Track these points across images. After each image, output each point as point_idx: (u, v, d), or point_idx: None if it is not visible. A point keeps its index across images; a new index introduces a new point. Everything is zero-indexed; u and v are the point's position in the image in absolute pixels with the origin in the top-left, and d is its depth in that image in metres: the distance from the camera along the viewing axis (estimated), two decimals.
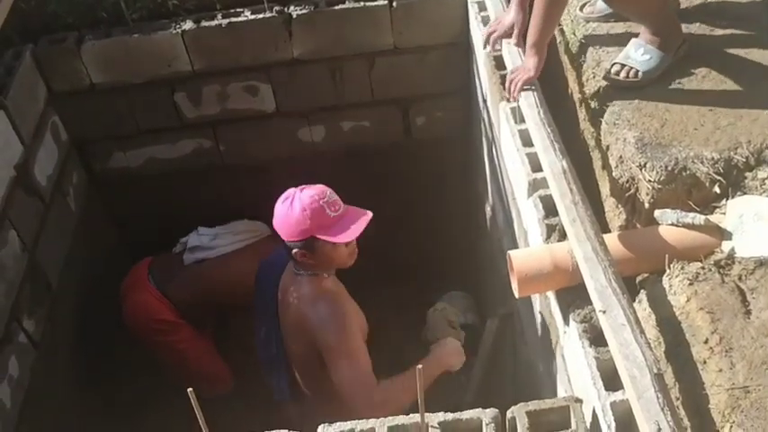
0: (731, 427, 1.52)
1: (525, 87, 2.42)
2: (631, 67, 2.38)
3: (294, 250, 2.46)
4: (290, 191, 2.48)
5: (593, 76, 2.53)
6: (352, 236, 2.43)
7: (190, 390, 1.61)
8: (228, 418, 2.45)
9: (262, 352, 2.82)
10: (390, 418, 1.80)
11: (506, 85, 2.52)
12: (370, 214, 2.49)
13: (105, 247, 3.98)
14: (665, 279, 1.92)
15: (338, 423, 1.80)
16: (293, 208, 2.41)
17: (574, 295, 1.98)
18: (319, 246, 2.44)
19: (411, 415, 1.79)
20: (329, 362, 2.43)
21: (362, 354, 2.47)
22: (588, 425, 1.74)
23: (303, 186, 2.48)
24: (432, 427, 1.76)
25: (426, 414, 1.76)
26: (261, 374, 2.95)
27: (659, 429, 1.43)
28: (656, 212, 2.06)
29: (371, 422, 1.79)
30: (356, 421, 1.80)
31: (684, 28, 2.47)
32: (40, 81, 3.54)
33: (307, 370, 2.65)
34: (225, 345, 3.91)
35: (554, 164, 2.10)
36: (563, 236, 2.08)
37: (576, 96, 2.68)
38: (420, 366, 1.69)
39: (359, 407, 2.32)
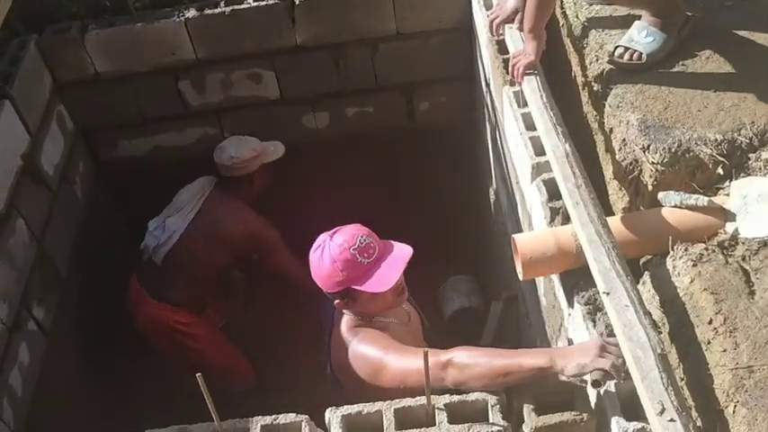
0: (735, 406, 1.53)
1: (527, 72, 2.42)
2: (635, 50, 2.38)
3: (336, 301, 2.27)
4: (321, 238, 2.25)
5: (597, 59, 2.53)
6: (390, 283, 2.20)
7: (198, 375, 1.64)
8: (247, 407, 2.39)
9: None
10: (397, 400, 1.82)
11: (509, 69, 2.53)
12: (409, 251, 2.26)
13: (112, 234, 4.00)
14: (668, 260, 1.93)
15: (346, 406, 1.83)
16: (323, 260, 2.21)
17: (578, 277, 1.99)
18: (358, 295, 2.22)
19: (417, 397, 1.81)
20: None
21: (404, 351, 2.11)
22: (592, 405, 1.76)
23: (336, 230, 2.25)
24: (438, 408, 1.78)
25: (432, 396, 1.78)
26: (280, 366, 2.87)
27: (663, 409, 1.44)
28: (660, 194, 2.07)
29: (378, 405, 1.81)
30: (363, 404, 1.83)
31: (688, 9, 2.47)
32: (45, 71, 3.55)
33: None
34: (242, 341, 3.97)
35: (557, 147, 2.11)
36: (567, 219, 2.09)
37: (579, 79, 2.67)
38: (426, 350, 1.70)
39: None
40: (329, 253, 2.20)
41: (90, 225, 3.74)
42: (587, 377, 1.66)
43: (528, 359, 1.77)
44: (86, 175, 3.84)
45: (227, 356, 3.81)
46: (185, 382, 3.49)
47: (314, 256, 2.26)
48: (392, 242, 2.31)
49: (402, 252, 2.26)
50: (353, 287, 2.20)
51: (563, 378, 1.72)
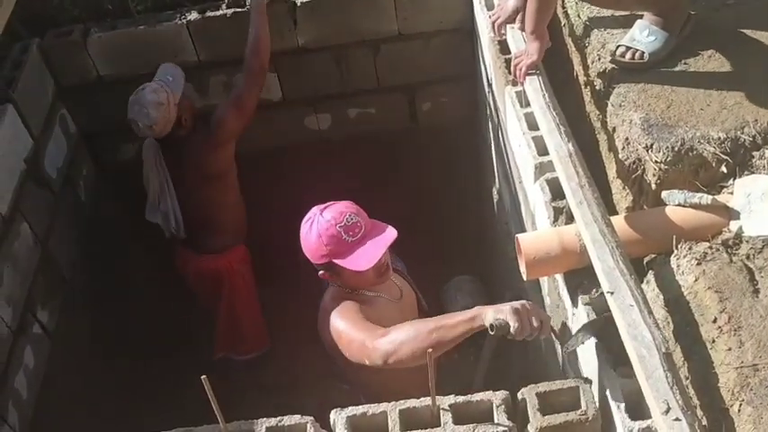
0: (740, 405, 1.53)
1: (530, 72, 2.42)
2: (637, 49, 2.38)
3: (320, 272, 2.40)
4: (313, 211, 2.37)
5: (599, 58, 2.53)
6: (371, 262, 2.29)
7: (203, 377, 1.64)
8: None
9: None
10: (402, 401, 1.82)
11: (512, 69, 2.53)
12: (393, 234, 2.33)
13: (118, 237, 4.01)
14: (672, 259, 1.92)
15: (351, 407, 1.83)
16: (311, 233, 2.33)
17: (582, 277, 1.99)
18: (341, 270, 2.33)
19: (422, 398, 1.81)
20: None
21: (357, 339, 2.21)
22: (598, 405, 1.75)
23: (327, 205, 2.36)
24: (443, 409, 1.78)
25: (437, 397, 1.78)
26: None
27: (668, 408, 1.44)
28: (663, 193, 2.06)
29: (383, 406, 1.81)
30: (368, 405, 1.83)
31: (690, 7, 2.46)
32: (48, 74, 3.56)
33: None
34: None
35: (560, 147, 2.11)
36: (570, 218, 2.09)
37: (582, 79, 2.67)
38: (430, 351, 1.71)
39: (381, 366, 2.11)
40: (317, 227, 2.31)
41: (94, 228, 3.74)
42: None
43: (458, 314, 1.99)
44: (89, 179, 3.84)
45: (256, 312, 4.01)
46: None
47: (304, 227, 2.37)
48: (381, 223, 2.39)
49: (387, 234, 2.34)
50: (336, 262, 2.31)
51: (487, 325, 1.91)
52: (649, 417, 1.57)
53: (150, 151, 3.51)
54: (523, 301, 1.95)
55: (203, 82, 3.72)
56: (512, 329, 1.88)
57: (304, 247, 2.38)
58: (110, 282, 3.75)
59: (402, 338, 2.03)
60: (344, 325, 2.27)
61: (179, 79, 3.38)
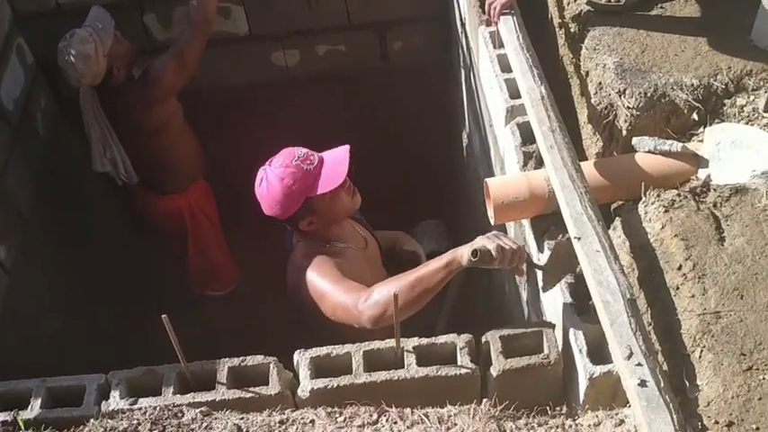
0: (702, 351, 1.55)
1: (504, 11, 2.36)
2: None
3: (300, 223, 2.29)
4: (260, 172, 2.29)
5: (575, 0, 2.48)
6: (340, 178, 2.26)
7: (164, 316, 1.62)
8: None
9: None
10: (366, 343, 1.81)
11: (486, 8, 2.47)
12: (347, 148, 2.31)
13: (77, 172, 3.90)
14: (640, 206, 1.92)
15: (315, 348, 1.82)
16: (271, 184, 2.23)
17: (549, 222, 1.98)
18: (317, 204, 2.26)
19: (386, 340, 1.81)
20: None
21: (340, 296, 2.16)
22: (560, 349, 1.77)
23: (269, 160, 2.29)
24: (407, 351, 1.78)
25: (401, 339, 1.77)
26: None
27: (631, 353, 1.45)
28: (634, 140, 2.05)
29: (347, 347, 1.81)
30: (332, 347, 1.82)
31: None
32: (4, 2, 3.41)
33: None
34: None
35: (532, 90, 2.07)
36: (540, 163, 2.07)
37: (556, 21, 2.62)
38: (396, 292, 1.70)
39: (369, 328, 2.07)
40: (274, 176, 2.23)
41: (53, 163, 3.64)
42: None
43: (433, 262, 1.97)
44: (48, 112, 3.72)
45: (223, 249, 4.00)
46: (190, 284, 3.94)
47: (260, 189, 2.28)
48: (330, 150, 2.34)
49: (340, 151, 2.31)
50: (310, 196, 2.24)
51: (464, 262, 1.90)
52: (611, 362, 1.58)
53: (87, 99, 3.38)
54: (495, 231, 1.97)
55: (167, 13, 3.59)
56: (493, 252, 1.86)
57: (271, 205, 2.27)
58: (73, 223, 3.67)
59: (386, 299, 1.96)
60: (328, 286, 2.19)
61: (108, 27, 3.20)
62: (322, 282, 2.20)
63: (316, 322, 2.24)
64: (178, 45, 3.24)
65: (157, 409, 1.73)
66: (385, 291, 2.00)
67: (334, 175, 2.25)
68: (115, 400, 1.78)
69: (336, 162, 2.28)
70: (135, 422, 1.70)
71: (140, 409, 1.74)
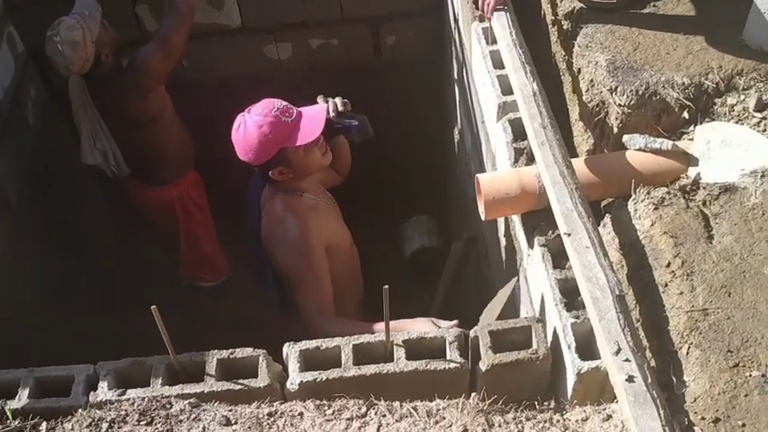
0: (689, 348, 1.56)
1: (498, 8, 2.37)
2: None
3: (271, 171, 2.37)
4: (239, 118, 2.36)
5: None
6: (315, 133, 2.35)
7: (153, 307, 1.61)
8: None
9: (255, 268, 2.77)
10: (355, 336, 1.81)
11: (480, 4, 2.47)
12: (323, 107, 2.45)
13: (67, 163, 3.88)
14: (630, 203, 1.93)
15: (304, 341, 1.82)
16: (248, 130, 2.31)
17: (539, 219, 1.99)
18: (291, 155, 2.35)
19: (376, 334, 1.81)
20: (288, 285, 2.43)
21: (320, 283, 2.39)
22: (549, 344, 1.77)
23: (248, 108, 2.37)
24: (396, 345, 1.78)
25: (391, 332, 1.77)
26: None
27: (619, 349, 1.46)
28: (625, 137, 2.06)
29: (337, 340, 1.80)
30: (322, 339, 1.82)
31: None
32: None
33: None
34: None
35: (524, 86, 2.08)
36: (531, 160, 2.08)
37: (549, 18, 2.63)
38: (386, 287, 1.70)
39: (311, 333, 2.19)
40: (253, 123, 2.30)
41: (43, 153, 3.62)
42: None
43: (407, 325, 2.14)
44: (39, 102, 3.69)
45: (214, 240, 4.00)
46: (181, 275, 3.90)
47: (237, 134, 2.34)
48: (308, 106, 2.45)
49: (317, 108, 2.44)
50: (284, 147, 2.32)
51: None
52: (599, 357, 1.59)
53: (76, 89, 3.36)
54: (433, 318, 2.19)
55: (159, 4, 3.56)
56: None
57: (246, 150, 2.33)
58: (63, 214, 3.65)
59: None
60: (305, 271, 2.35)
61: (95, 14, 3.18)
62: (302, 264, 2.36)
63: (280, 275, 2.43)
64: (162, 32, 3.23)
65: (146, 400, 1.72)
66: (343, 332, 2.01)
67: (310, 130, 2.34)
68: (103, 391, 1.77)
69: (313, 118, 2.37)
70: (123, 413, 1.69)
71: (128, 400, 1.73)
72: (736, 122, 2.00)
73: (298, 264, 2.38)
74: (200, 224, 3.88)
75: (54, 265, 3.51)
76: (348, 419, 1.63)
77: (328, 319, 2.33)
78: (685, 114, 2.05)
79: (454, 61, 3.37)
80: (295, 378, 1.76)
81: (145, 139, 3.46)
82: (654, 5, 2.33)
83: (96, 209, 4.07)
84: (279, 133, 2.31)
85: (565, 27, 2.46)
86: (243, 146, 2.33)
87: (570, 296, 1.76)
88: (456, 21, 3.17)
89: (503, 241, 2.50)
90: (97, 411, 1.70)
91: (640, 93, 2.05)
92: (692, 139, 2.02)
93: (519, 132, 2.17)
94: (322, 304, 2.37)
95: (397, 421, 1.61)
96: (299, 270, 2.38)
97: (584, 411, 1.60)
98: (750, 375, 1.49)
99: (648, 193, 1.90)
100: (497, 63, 2.38)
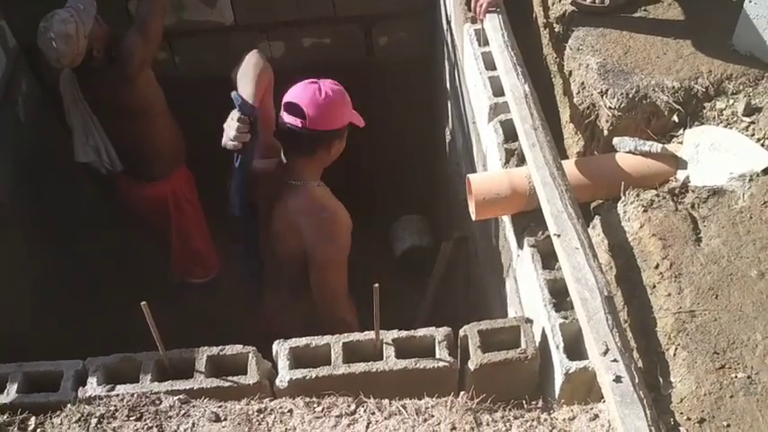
0: (676, 349, 1.57)
1: (490, 9, 2.38)
2: None
3: (333, 142, 2.32)
4: (310, 85, 2.28)
5: (559, 0, 2.50)
6: (362, 121, 2.41)
7: (143, 303, 1.61)
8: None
9: (238, 249, 2.79)
10: (345, 335, 1.82)
11: (472, 5, 2.48)
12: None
13: (58, 158, 3.86)
14: (619, 205, 1.95)
15: (294, 339, 1.82)
16: (335, 92, 2.26)
17: (529, 219, 2.00)
18: (344, 134, 2.35)
19: (366, 332, 1.82)
20: (313, 269, 2.41)
21: (343, 272, 2.43)
22: (537, 344, 1.78)
23: (311, 80, 2.30)
24: (386, 343, 1.79)
25: (381, 331, 1.78)
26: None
27: (607, 350, 1.47)
28: (615, 140, 2.08)
29: (326, 338, 1.81)
30: (311, 337, 1.82)
31: None
32: None
33: (290, 268, 2.61)
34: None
35: (516, 87, 2.09)
36: (522, 161, 2.09)
37: (541, 21, 2.64)
38: (377, 285, 1.71)
39: (325, 316, 2.37)
40: (335, 90, 2.28)
41: (35, 149, 3.60)
42: None
43: None
44: (30, 96, 3.68)
45: (205, 236, 3.99)
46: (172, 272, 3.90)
47: (319, 96, 2.24)
48: None
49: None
50: (352, 121, 2.35)
51: None
52: (587, 358, 1.60)
53: (67, 83, 3.35)
54: None
55: None
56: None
57: (331, 109, 2.26)
58: (54, 210, 3.63)
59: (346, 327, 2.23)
60: (345, 253, 2.38)
61: (90, 8, 3.14)
62: (335, 255, 2.37)
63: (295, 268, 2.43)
64: (140, 19, 3.21)
65: (135, 396, 1.72)
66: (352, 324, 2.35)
67: (356, 114, 2.38)
68: (92, 387, 1.77)
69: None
70: (112, 408, 1.69)
71: (118, 395, 1.74)
72: (725, 126, 2.02)
73: (344, 252, 2.40)
74: (192, 220, 3.87)
75: (44, 261, 3.49)
76: (337, 417, 1.64)
77: (343, 307, 2.44)
78: (675, 118, 2.06)
79: (446, 62, 3.38)
80: (285, 375, 1.76)
81: (137, 132, 3.44)
82: (645, 10, 2.35)
83: (86, 204, 4.05)
84: (350, 108, 2.35)
85: (556, 30, 2.48)
86: (329, 107, 2.25)
87: (559, 297, 1.78)
88: (448, 22, 3.18)
89: (493, 241, 2.52)
90: (86, 407, 1.70)
91: (630, 96, 2.07)
92: (681, 143, 2.03)
93: (510, 133, 2.19)
94: (347, 291, 2.46)
95: (386, 419, 1.61)
96: (343, 257, 2.40)
97: (572, 411, 1.61)
98: (736, 377, 1.50)
99: (638, 195, 1.92)
100: (489, 64, 2.39)
